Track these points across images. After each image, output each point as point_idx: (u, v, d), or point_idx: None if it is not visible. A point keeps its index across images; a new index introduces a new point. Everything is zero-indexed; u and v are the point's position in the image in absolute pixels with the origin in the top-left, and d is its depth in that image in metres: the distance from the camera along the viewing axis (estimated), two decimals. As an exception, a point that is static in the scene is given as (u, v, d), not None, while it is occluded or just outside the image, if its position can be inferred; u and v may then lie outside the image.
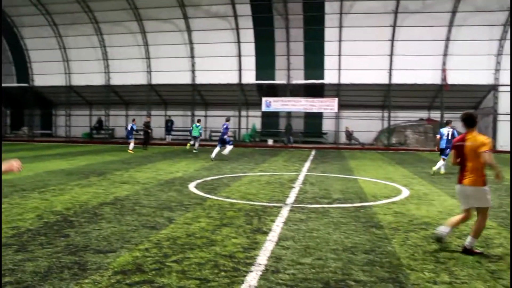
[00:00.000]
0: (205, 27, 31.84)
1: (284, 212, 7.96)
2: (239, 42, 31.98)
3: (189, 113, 34.51)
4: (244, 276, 4.69)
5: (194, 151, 23.83)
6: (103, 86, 34.88)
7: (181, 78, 33.22)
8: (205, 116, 35.67)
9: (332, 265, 5.06)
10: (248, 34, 31.85)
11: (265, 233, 6.48)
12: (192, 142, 24.89)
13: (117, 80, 34.54)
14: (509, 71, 29.19)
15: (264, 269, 4.91)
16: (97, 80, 34.92)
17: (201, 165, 16.57)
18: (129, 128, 24.77)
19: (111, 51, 34.37)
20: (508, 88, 29.38)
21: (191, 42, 32.61)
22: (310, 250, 5.67)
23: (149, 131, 27.40)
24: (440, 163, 14.95)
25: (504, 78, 29.53)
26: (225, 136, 19.45)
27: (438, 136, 15.31)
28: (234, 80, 32.75)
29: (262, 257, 5.33)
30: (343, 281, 4.59)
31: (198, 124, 24.68)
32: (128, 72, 33.89)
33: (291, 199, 9.45)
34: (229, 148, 19.46)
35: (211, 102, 35.58)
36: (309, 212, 8.06)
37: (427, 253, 5.63)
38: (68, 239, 6.03)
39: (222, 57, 32.49)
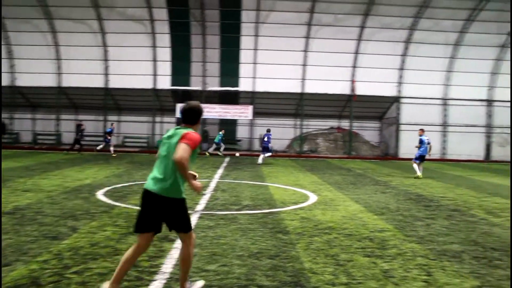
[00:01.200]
0: (120, 30, 30.98)
1: (193, 219, 7.96)
2: (155, 46, 31.50)
3: (101, 117, 33.32)
4: (147, 285, 4.64)
5: (219, 154, 28.36)
6: (8, 87, 32.68)
7: (93, 81, 32.00)
8: (118, 121, 34.63)
9: (237, 271, 5.16)
10: (164, 39, 31.46)
11: (172, 241, 6.45)
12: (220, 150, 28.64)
13: (23, 81, 32.52)
14: (410, 85, 31.50)
15: (168, 277, 4.90)
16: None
17: (111, 172, 16.07)
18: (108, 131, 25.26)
19: (18, 50, 32.31)
20: (409, 100, 31.62)
21: (105, 45, 31.58)
22: (216, 257, 5.73)
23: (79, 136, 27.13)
24: (417, 167, 17.70)
25: (406, 91, 31.69)
26: (269, 145, 23.20)
27: (430, 145, 17.80)
28: (148, 85, 32.16)
29: (168, 265, 5.31)
30: (247, 286, 4.70)
31: (221, 132, 28.72)
32: (36, 73, 32.00)
33: (201, 206, 9.47)
34: (267, 155, 23.09)
35: (124, 107, 34.62)
36: (218, 219, 8.13)
37: (329, 257, 5.91)
38: (-42, 251, 5.61)
39: (137, 61, 31.79)
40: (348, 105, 32.18)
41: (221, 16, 30.69)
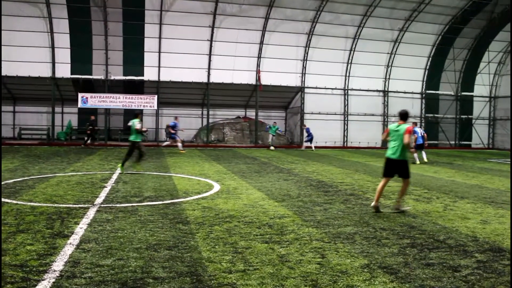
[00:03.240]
0: (12, 12, 28.62)
1: (91, 213, 7.64)
2: (52, 32, 29.59)
3: (-8, 108, 30.78)
4: (34, 286, 4.35)
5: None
6: None
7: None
8: (13, 112, 32.30)
9: (133, 265, 5.02)
10: (62, 24, 29.62)
11: (66, 236, 6.14)
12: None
13: None
14: (313, 75, 32.63)
15: (58, 275, 4.63)
16: None
17: (4, 167, 14.92)
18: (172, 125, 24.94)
19: None
20: (312, 90, 32.77)
21: (-5, 28, 29.10)
22: (112, 251, 5.53)
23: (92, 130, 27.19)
24: (416, 155, 19.88)
25: (309, 81, 32.78)
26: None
27: (415, 136, 19.07)
28: (46, 73, 30.20)
29: (59, 263, 5.02)
30: (142, 279, 4.58)
31: (275, 125, 29.46)
32: None
33: (100, 199, 9.11)
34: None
35: (19, 96, 32.29)
36: (117, 211, 7.87)
37: (228, 245, 5.95)
38: None
39: (32, 48, 29.64)
40: (254, 95, 32.61)
41: (123, 2, 29.53)
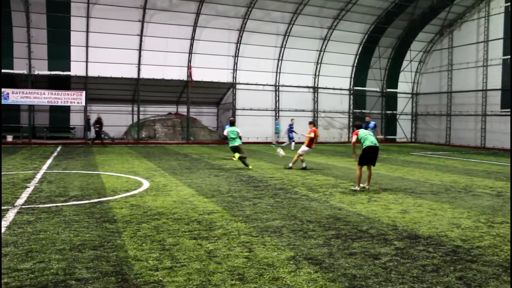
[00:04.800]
0: None
1: (10, 215, 7.29)
2: (-34, 23, 27.73)
3: None
4: None
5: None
6: None
7: None
8: None
9: (55, 267, 4.87)
10: (-22, 15, 27.88)
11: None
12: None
13: None
14: (245, 72, 32.86)
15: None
16: None
17: None
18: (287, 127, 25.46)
19: None
20: (244, 86, 32.99)
21: None
22: (33, 253, 5.33)
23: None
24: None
25: (241, 77, 32.96)
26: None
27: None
28: (-39, 67, 28.30)
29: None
30: (64, 281, 4.46)
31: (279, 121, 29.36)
32: None
33: (21, 200, 8.72)
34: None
35: None
36: (40, 212, 7.57)
37: (155, 242, 5.91)
38: None
39: None
40: (185, 91, 32.33)
41: (47, -7, 28.22)
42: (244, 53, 32.57)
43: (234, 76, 32.89)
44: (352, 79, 36.35)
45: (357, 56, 35.82)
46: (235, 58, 32.59)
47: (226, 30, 31.67)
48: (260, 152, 23.42)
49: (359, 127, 11.28)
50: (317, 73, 35.06)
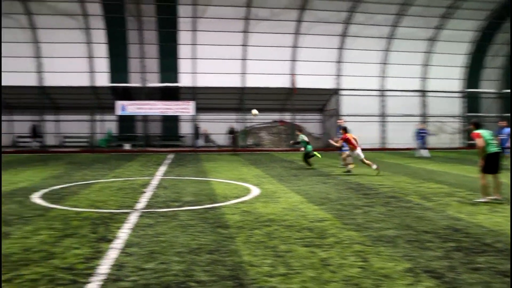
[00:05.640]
0: (52, 26, 29.72)
1: (133, 218, 7.79)
2: (90, 42, 30.48)
3: (37, 117, 31.86)
4: (82, 288, 4.49)
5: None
6: None
7: (26, 79, 30.52)
8: (57, 120, 33.32)
9: (175, 268, 5.09)
10: (99, 35, 30.51)
11: (110, 241, 6.28)
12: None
13: None
14: (349, 77, 32.35)
15: (104, 278, 4.75)
16: None
17: (49, 174, 15.46)
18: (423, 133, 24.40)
19: None
20: (347, 92, 32.48)
21: (36, 41, 30.22)
22: (155, 255, 5.62)
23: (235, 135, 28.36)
24: None
25: (344, 83, 32.50)
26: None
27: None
28: (86, 82, 31.12)
29: (104, 266, 5.15)
30: (184, 283, 4.63)
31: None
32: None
33: (141, 204, 9.28)
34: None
35: (62, 106, 33.33)
36: (158, 216, 8.00)
37: (268, 248, 5.94)
38: None
39: (72, 58, 30.64)
40: (289, 98, 32.57)
41: (157, 10, 30.14)
42: (347, 58, 32.13)
43: (338, 82, 32.51)
44: (463, 80, 34.20)
45: (469, 55, 33.63)
46: (338, 64, 32.23)
47: (327, 36, 31.50)
48: (367, 159, 22.77)
49: (478, 126, 9.87)
50: (424, 76, 33.48)
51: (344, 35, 31.44)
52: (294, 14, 30.41)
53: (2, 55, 30.09)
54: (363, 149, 16.71)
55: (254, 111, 20.18)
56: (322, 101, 34.55)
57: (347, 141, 15.59)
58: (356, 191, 11.23)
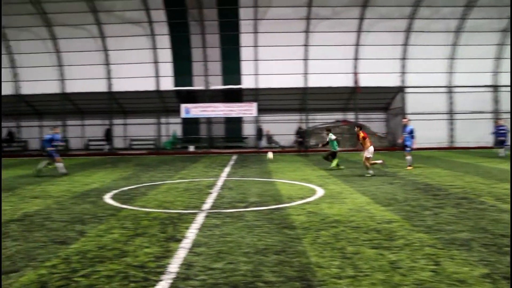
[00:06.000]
0: (119, 33, 31.06)
1: (199, 219, 7.96)
2: (155, 48, 31.53)
3: (107, 122, 33.43)
4: (154, 285, 4.64)
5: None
6: (12, 96, 32.88)
7: (96, 86, 32.12)
8: (125, 124, 34.76)
9: (243, 268, 5.15)
10: (164, 40, 31.49)
11: (179, 240, 6.45)
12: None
13: (27, 89, 32.69)
14: (414, 74, 31.36)
15: (175, 277, 4.90)
16: (5, 89, 32.86)
17: (119, 175, 16.13)
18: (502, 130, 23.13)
19: (20, 59, 32.50)
20: (413, 89, 31.50)
21: (105, 49, 31.67)
22: (223, 254, 5.72)
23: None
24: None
25: (409, 80, 31.54)
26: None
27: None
28: (152, 87, 32.22)
29: (174, 265, 5.30)
30: (253, 283, 4.68)
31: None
32: (39, 81, 32.21)
33: (207, 205, 9.47)
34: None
35: (129, 110, 34.73)
36: (224, 217, 8.13)
37: (335, 250, 5.88)
38: (-35, 262, 5.64)
39: (139, 64, 31.86)
40: (352, 97, 32.06)
41: (219, 14, 30.66)
42: (411, 55, 31.17)
43: (402, 79, 31.61)
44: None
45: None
46: (402, 61, 31.34)
47: (391, 33, 30.71)
48: (435, 158, 22.03)
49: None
50: (497, 70, 31.81)
51: (408, 30, 30.50)
52: (356, 12, 29.90)
53: (75, 64, 31.87)
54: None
55: (270, 155, 19.51)
56: (387, 100, 33.70)
57: (364, 139, 15.03)
58: (425, 192, 10.86)
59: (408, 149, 16.72)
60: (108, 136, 32.81)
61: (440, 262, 5.32)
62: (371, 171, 14.74)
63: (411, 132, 16.92)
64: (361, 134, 15.26)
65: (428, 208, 8.70)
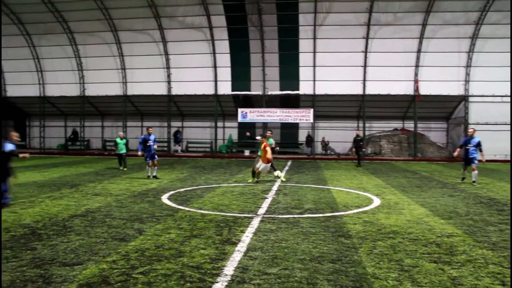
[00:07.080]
0: (180, 38, 31.90)
1: (255, 223, 8.00)
2: (214, 53, 32.08)
3: (165, 124, 34.39)
4: (210, 287, 4.71)
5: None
6: (78, 97, 34.53)
7: (156, 89, 33.14)
8: (182, 127, 35.60)
9: (298, 275, 5.12)
10: (223, 45, 31.98)
11: (234, 243, 6.52)
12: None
13: (92, 90, 34.23)
14: (479, 82, 30.08)
15: (230, 279, 4.94)
16: (72, 90, 34.55)
17: (175, 176, 16.52)
18: None
19: (86, 62, 34.08)
20: (478, 99, 30.22)
21: (166, 53, 32.58)
22: (278, 260, 5.72)
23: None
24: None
25: (474, 89, 30.29)
26: None
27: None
28: (210, 91, 32.79)
29: (229, 268, 5.36)
30: (308, 290, 4.65)
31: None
32: (103, 83, 33.68)
33: (263, 209, 9.50)
34: None
35: (187, 113, 35.53)
36: (279, 222, 8.12)
37: (393, 261, 5.73)
38: (35, 252, 5.96)
39: (198, 68, 32.55)
40: (412, 105, 31.21)
41: (278, 20, 30.75)
42: (477, 62, 29.93)
43: (466, 87, 30.42)
44: None
45: None
46: (466, 69, 30.17)
47: (455, 39, 29.69)
48: (500, 172, 21.04)
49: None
50: None
51: (474, 37, 29.34)
52: (419, 18, 29.13)
53: (137, 68, 33.01)
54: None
55: (279, 174, 17.50)
56: (449, 108, 32.52)
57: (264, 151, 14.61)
58: (488, 206, 10.39)
59: (476, 162, 15.48)
60: (177, 137, 33.72)
61: (506, 282, 5.06)
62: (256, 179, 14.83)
63: (479, 144, 15.53)
64: (264, 144, 14.87)
65: (492, 224, 8.31)
